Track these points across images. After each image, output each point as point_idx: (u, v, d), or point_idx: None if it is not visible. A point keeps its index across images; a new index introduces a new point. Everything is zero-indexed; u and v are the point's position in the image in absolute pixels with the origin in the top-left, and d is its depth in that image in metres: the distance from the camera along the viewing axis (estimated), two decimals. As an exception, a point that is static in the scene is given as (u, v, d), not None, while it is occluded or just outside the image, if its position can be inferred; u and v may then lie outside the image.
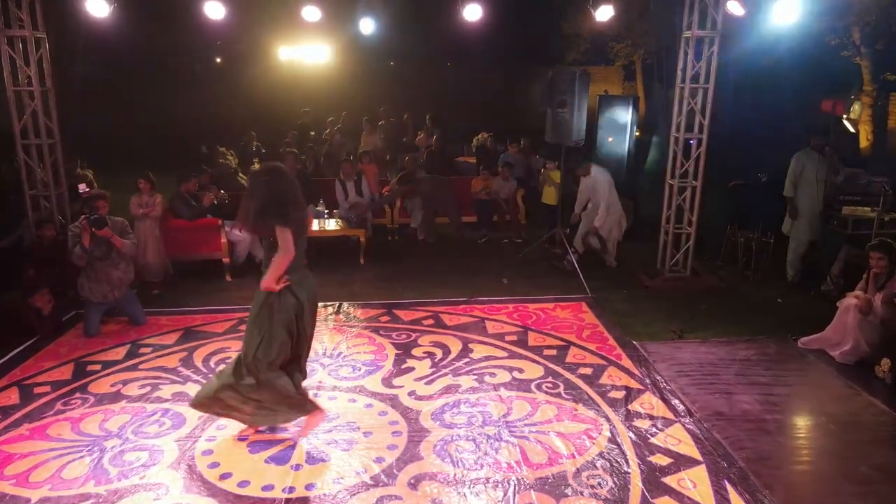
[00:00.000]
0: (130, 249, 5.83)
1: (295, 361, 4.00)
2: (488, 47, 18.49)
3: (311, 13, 7.61)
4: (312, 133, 13.81)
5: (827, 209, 7.12)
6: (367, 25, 8.43)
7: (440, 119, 13.85)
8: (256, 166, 11.33)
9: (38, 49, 6.64)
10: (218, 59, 23.99)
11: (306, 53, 16.44)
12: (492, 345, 5.53)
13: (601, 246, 7.88)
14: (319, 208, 8.30)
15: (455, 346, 5.49)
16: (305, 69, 17.94)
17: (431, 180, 8.97)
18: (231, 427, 4.22)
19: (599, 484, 3.65)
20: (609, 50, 20.06)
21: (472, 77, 21.64)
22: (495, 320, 6.09)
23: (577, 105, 7.14)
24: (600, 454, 3.93)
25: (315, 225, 8.11)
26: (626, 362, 5.20)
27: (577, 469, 3.78)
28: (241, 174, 10.44)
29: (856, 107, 8.59)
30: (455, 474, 3.74)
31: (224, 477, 3.71)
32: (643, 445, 4.02)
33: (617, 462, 3.85)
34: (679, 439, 4.08)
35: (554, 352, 5.39)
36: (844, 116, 9.19)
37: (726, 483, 3.65)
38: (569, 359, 5.27)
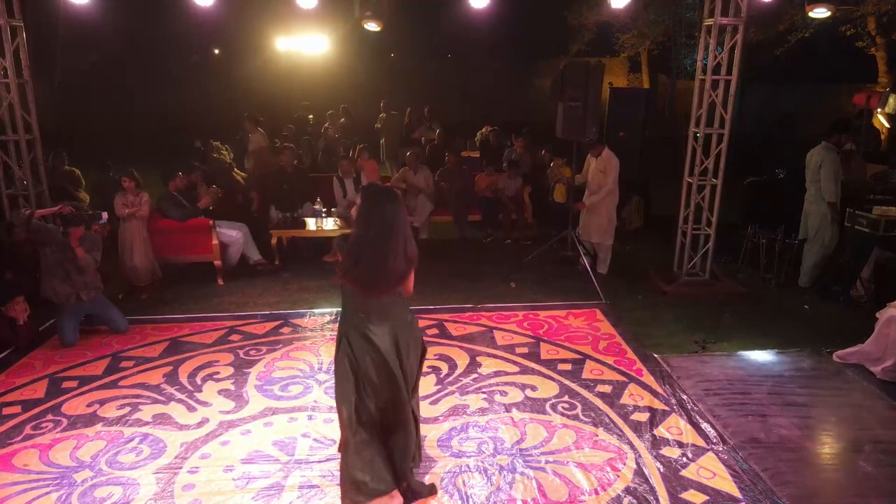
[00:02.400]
0: (88, 264, 5.44)
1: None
2: (490, 39, 18.04)
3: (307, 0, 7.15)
4: (311, 125, 13.36)
5: (852, 208, 6.66)
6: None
7: (441, 113, 13.42)
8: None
9: (15, 38, 6.20)
10: (216, 51, 23.51)
11: (304, 44, 15.93)
12: (502, 358, 5.12)
13: (593, 253, 7.42)
14: (317, 207, 7.87)
15: (462, 360, 5.08)
16: (303, 61, 17.46)
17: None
18: (215, 456, 3.82)
19: (628, 527, 3.25)
20: (614, 41, 19.59)
21: (473, 69, 21.18)
22: (504, 330, 5.67)
23: (590, 99, 6.69)
24: (626, 489, 3.52)
25: (312, 224, 7.71)
26: (648, 378, 4.78)
27: (602, 508, 3.38)
28: (236, 170, 10.02)
29: (891, 101, 8.19)
30: (465, 514, 3.33)
31: (205, 518, 3.31)
32: (673, 479, 3.60)
33: (646, 499, 3.43)
34: (713, 472, 3.67)
35: (569, 366, 4.98)
36: (879, 110, 8.78)
37: (771, 526, 3.25)
38: (585, 374, 4.85)
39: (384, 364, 3.17)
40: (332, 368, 4.50)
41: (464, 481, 3.59)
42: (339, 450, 3.39)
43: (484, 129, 12.37)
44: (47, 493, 3.49)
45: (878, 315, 4.92)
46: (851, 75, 14.97)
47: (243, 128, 9.93)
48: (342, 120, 12.35)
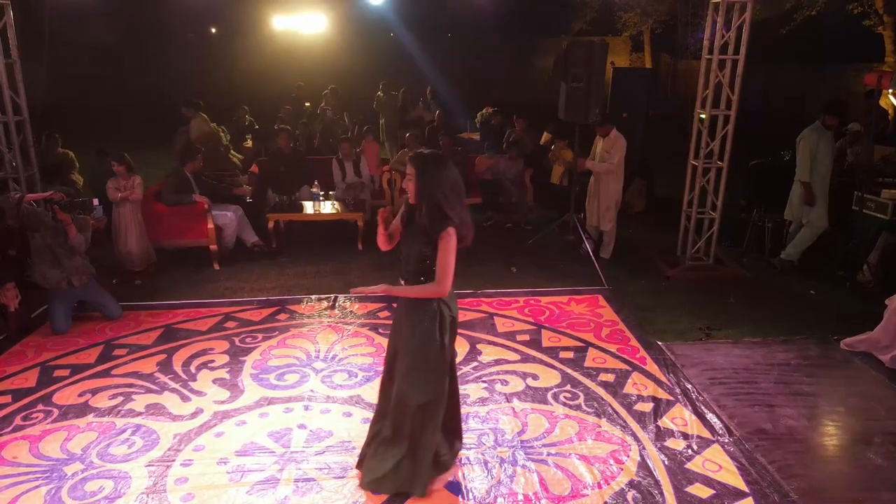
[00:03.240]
0: (80, 245, 5.31)
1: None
2: (490, 17, 17.75)
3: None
4: (308, 105, 13.15)
5: (860, 191, 6.51)
6: None
7: (441, 93, 13.21)
8: (249, 143, 10.82)
9: (2, 17, 6.03)
10: (213, 29, 23.18)
11: (302, 23, 15.63)
12: (502, 346, 5.02)
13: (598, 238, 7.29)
14: (314, 190, 7.75)
15: (462, 348, 4.96)
16: (301, 40, 17.18)
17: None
18: (209, 448, 3.73)
19: (632, 522, 3.16)
20: (617, 20, 19.27)
21: (474, 48, 20.89)
22: (505, 316, 5.57)
23: (594, 79, 6.52)
24: (630, 483, 3.43)
25: (310, 208, 7.58)
26: (652, 367, 4.68)
27: (606, 503, 3.28)
28: (232, 152, 9.86)
29: (905, 81, 8.01)
30: (465, 509, 3.24)
31: (198, 513, 3.22)
32: (678, 472, 3.52)
33: (650, 493, 3.35)
34: (719, 464, 3.58)
35: (571, 354, 4.88)
36: (890, 91, 8.59)
37: (779, 521, 3.16)
38: (588, 363, 4.75)
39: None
40: (319, 350, 4.41)
41: (463, 474, 3.50)
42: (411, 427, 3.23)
43: (485, 110, 12.17)
44: (37, 488, 3.40)
45: (887, 302, 4.82)
46: (858, 55, 14.72)
47: (182, 114, 9.28)
48: (323, 104, 12.08)
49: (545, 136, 9.62)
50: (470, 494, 3.34)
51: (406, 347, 3.15)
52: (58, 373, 4.61)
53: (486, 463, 3.60)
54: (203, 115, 9.27)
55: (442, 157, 3.05)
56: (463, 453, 3.65)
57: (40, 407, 4.17)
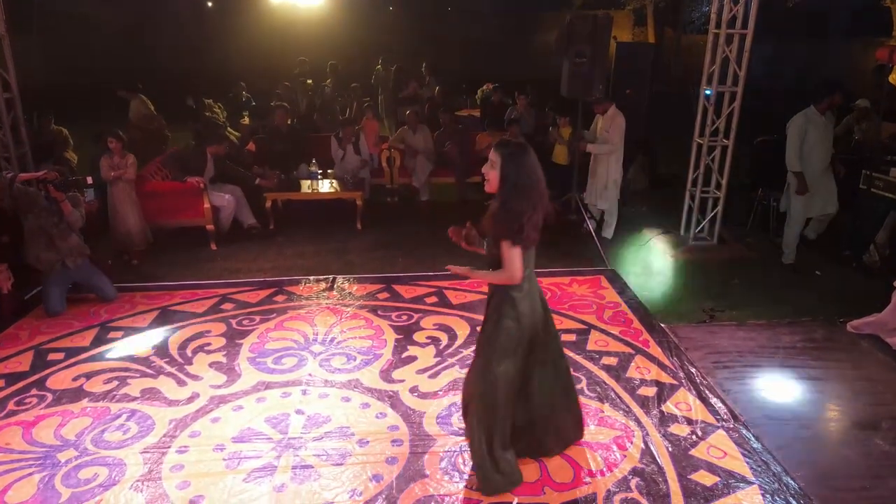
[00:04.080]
0: (76, 220, 5.22)
1: None
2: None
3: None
4: (310, 83, 12.94)
5: (868, 170, 6.36)
6: None
7: (442, 69, 12.98)
8: (246, 120, 10.65)
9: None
10: (209, 3, 22.77)
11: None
12: (503, 328, 4.93)
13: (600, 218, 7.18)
14: (312, 168, 7.62)
15: (462, 330, 4.90)
16: (299, 14, 16.86)
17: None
18: (205, 434, 3.67)
19: (635, 511, 3.10)
20: (620, -7, 18.93)
21: (474, 23, 20.53)
22: (506, 298, 5.47)
23: (598, 54, 6.36)
24: (634, 470, 3.37)
25: (307, 187, 7.46)
26: (655, 350, 4.61)
27: (609, 490, 3.22)
28: (229, 129, 9.71)
29: (919, 56, 7.84)
30: (466, 499, 3.18)
31: (194, 502, 3.16)
32: (682, 459, 3.45)
33: (654, 481, 3.29)
34: (724, 451, 3.52)
35: (573, 337, 4.80)
36: (902, 67, 8.43)
37: (785, 510, 3.10)
38: (590, 346, 4.68)
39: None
40: (317, 332, 4.35)
41: (464, 461, 3.44)
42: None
43: (485, 87, 11.98)
44: (30, 475, 3.34)
45: (895, 284, 4.72)
46: (865, 29, 14.45)
47: (119, 96, 9.16)
48: (328, 82, 11.87)
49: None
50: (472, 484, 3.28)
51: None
52: (52, 356, 4.54)
53: (486, 449, 3.53)
54: (143, 97, 9.22)
55: (525, 146, 2.98)
56: (463, 440, 3.59)
57: (34, 392, 4.11)
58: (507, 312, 3.05)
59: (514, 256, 2.90)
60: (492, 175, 2.95)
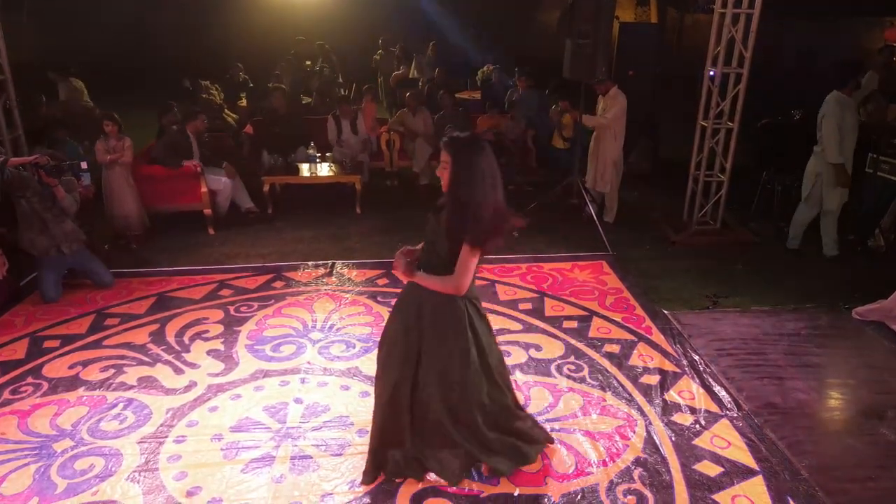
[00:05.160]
0: (70, 206, 5.14)
1: None
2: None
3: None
4: (308, 64, 12.79)
5: (874, 153, 6.24)
6: None
7: (442, 51, 12.81)
8: (243, 102, 10.52)
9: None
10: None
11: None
12: (504, 314, 4.88)
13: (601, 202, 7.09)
14: (311, 151, 7.52)
15: (462, 317, 4.83)
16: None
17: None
18: (203, 423, 3.62)
19: (639, 502, 3.06)
20: (622, -29, 18.64)
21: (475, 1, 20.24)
22: (507, 283, 5.42)
23: (601, 35, 6.23)
24: (637, 460, 3.33)
25: (306, 171, 7.37)
26: (658, 337, 4.56)
27: (612, 481, 3.19)
28: (227, 111, 9.59)
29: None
30: (466, 489, 3.14)
31: (192, 493, 3.12)
32: (686, 449, 3.41)
33: (657, 472, 3.25)
34: (728, 440, 3.48)
35: (574, 323, 4.75)
36: (913, 48, 8.27)
37: (790, 500, 3.06)
38: (592, 333, 4.63)
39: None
40: (316, 319, 4.30)
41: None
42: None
43: (486, 68, 11.82)
44: (25, 466, 3.30)
45: (901, 270, 4.67)
46: (870, 8, 14.21)
47: (50, 78, 8.92)
48: (320, 62, 11.72)
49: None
50: (472, 475, 3.23)
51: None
52: (48, 343, 4.49)
53: (487, 439, 3.49)
54: (73, 80, 9.06)
55: (480, 144, 2.75)
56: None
57: (30, 380, 4.06)
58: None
59: (469, 264, 2.74)
60: (444, 176, 2.76)
